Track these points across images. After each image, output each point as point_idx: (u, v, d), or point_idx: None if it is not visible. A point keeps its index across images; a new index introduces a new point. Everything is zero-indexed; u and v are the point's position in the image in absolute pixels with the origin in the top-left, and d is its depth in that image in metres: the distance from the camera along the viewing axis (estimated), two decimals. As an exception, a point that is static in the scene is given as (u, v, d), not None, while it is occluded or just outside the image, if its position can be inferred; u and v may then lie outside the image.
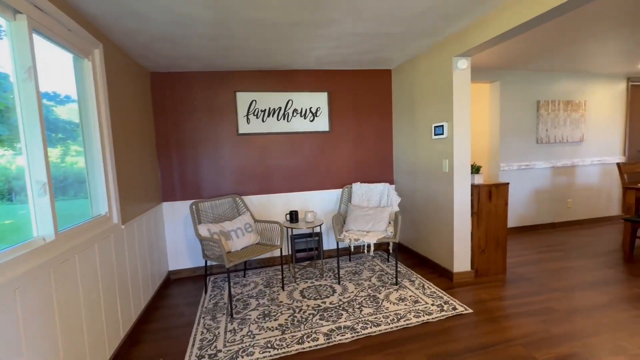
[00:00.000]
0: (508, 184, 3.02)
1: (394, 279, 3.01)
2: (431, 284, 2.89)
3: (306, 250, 3.64)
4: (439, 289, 2.77)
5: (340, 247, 3.82)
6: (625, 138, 5.03)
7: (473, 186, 2.92)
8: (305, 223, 3.20)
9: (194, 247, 3.43)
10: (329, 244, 3.79)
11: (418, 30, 2.53)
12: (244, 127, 3.42)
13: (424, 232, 3.39)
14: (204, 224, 2.81)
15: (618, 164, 3.81)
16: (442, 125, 2.90)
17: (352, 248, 3.70)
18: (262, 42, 2.58)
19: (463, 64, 2.73)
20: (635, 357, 1.82)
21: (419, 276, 3.07)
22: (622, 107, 4.99)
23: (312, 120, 3.58)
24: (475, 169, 2.98)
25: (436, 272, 3.17)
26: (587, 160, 4.81)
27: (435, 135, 3.03)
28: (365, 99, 3.74)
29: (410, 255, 3.69)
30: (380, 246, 3.91)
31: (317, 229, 3.54)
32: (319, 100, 3.59)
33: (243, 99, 3.40)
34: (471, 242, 2.96)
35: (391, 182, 3.92)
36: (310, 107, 3.57)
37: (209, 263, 3.45)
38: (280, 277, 3.23)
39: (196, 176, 3.38)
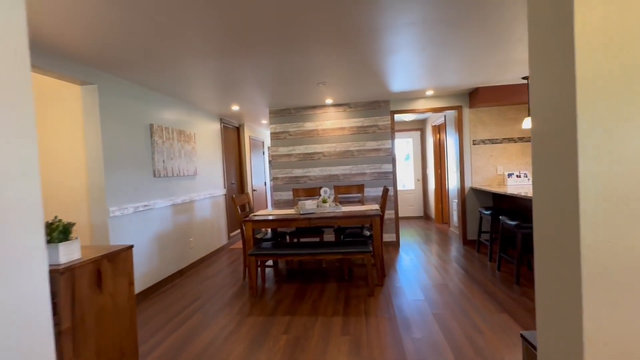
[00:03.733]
0: (132, 247, 1.72)
1: None
2: None
3: None
4: None
5: None
6: (224, 172, 5.52)
7: (56, 272, 1.30)
8: None
9: None
10: None
11: None
12: None
13: None
14: None
15: (232, 198, 3.80)
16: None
17: None
18: None
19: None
20: None
21: None
22: (220, 145, 5.45)
23: None
24: (62, 232, 1.39)
25: None
26: (202, 194, 4.64)
27: None
28: None
29: None
30: None
31: None
32: None
33: None
34: (64, 400, 1.30)
35: None
36: None
37: None
38: None
39: None
